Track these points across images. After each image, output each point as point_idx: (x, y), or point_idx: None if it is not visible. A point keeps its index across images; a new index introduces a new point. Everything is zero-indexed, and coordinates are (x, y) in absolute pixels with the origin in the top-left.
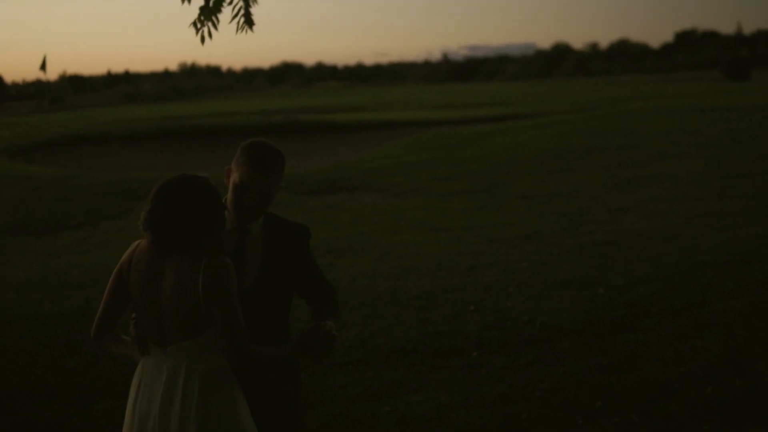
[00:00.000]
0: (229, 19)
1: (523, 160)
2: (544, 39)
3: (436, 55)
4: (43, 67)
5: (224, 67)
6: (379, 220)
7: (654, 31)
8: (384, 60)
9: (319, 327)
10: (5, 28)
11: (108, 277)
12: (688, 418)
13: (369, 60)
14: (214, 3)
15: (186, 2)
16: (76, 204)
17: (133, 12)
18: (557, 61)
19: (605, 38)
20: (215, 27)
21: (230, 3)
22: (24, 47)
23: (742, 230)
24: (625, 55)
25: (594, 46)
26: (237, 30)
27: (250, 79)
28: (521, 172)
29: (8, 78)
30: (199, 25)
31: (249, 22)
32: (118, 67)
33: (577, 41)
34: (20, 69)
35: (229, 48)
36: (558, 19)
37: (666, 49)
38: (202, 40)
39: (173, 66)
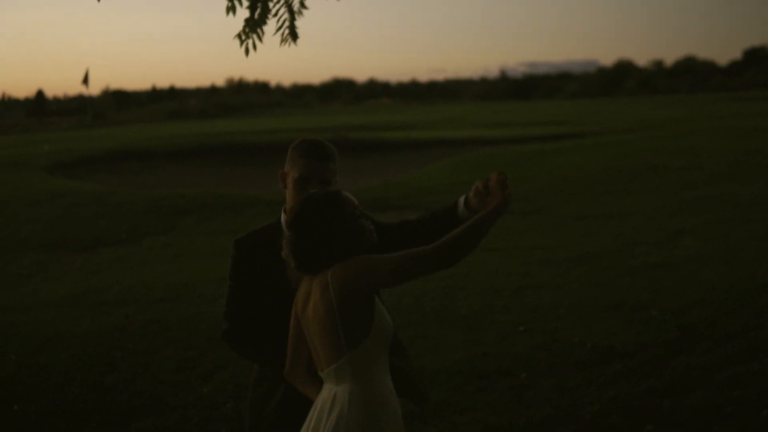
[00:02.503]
0: (274, 31)
1: (578, 180)
2: (607, 56)
3: (493, 72)
4: (85, 80)
5: (273, 82)
6: None
7: (722, 48)
8: (439, 76)
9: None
10: (47, 42)
11: (148, 294)
12: None
13: (423, 76)
14: (259, 15)
15: (231, 14)
16: (118, 220)
17: (178, 26)
18: (620, 78)
19: (670, 55)
20: (260, 39)
21: (275, 15)
22: (66, 61)
23: None
24: (691, 73)
25: (659, 64)
26: (281, 42)
27: (300, 95)
28: (575, 192)
29: (50, 93)
30: (243, 38)
31: (294, 35)
32: (163, 83)
33: (641, 58)
34: (62, 84)
35: (278, 63)
36: (621, 35)
37: (734, 67)
38: (246, 52)
39: (220, 81)
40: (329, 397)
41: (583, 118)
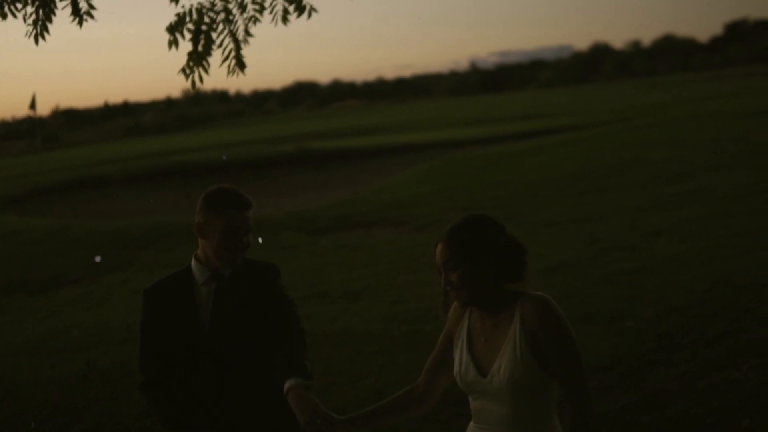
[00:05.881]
0: (220, 62)
1: (552, 181)
2: (582, 39)
3: (463, 65)
4: (32, 106)
5: (232, 90)
6: (396, 258)
7: (701, 23)
8: (407, 73)
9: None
10: None
11: (109, 336)
12: None
13: (390, 74)
14: (203, 47)
15: (174, 48)
16: (74, 257)
17: (129, 36)
18: (596, 63)
19: (648, 35)
20: (206, 71)
21: (220, 46)
22: (12, 80)
23: None
24: (671, 53)
25: (636, 45)
26: (228, 74)
27: (261, 102)
28: (549, 196)
29: None
30: (188, 72)
31: (240, 64)
32: (115, 97)
33: (618, 40)
34: (8, 105)
35: None
36: (595, 17)
37: (716, 42)
38: (193, 85)
39: (176, 93)
40: None
41: (559, 109)
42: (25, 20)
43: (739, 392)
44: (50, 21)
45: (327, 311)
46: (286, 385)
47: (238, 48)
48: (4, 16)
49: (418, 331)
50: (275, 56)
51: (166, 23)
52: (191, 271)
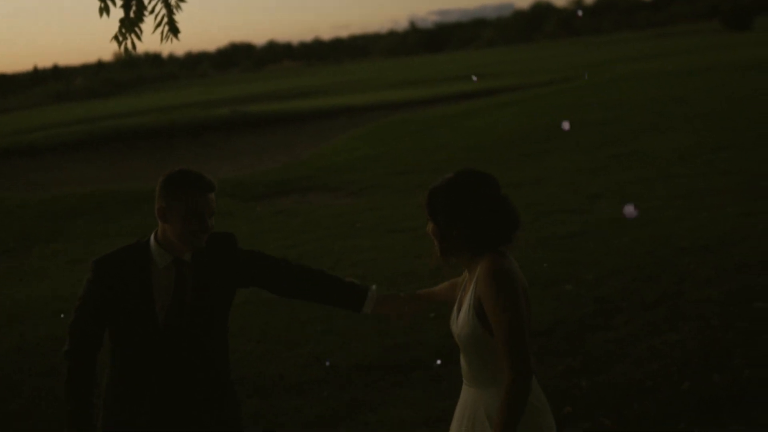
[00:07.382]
0: (153, 29)
1: (492, 144)
2: None
3: (402, 24)
4: None
5: (165, 53)
6: (333, 224)
7: None
8: (344, 33)
9: None
10: None
11: (43, 308)
12: (664, 417)
13: (327, 34)
14: (134, 14)
15: (105, 15)
16: (5, 229)
17: None
18: (538, 21)
19: None
20: (139, 38)
21: (152, 12)
22: None
23: (724, 210)
24: (614, 10)
25: (578, 2)
26: (162, 40)
27: (195, 64)
28: (488, 159)
29: None
30: (121, 39)
31: (174, 29)
32: (45, 62)
33: None
34: None
35: None
36: None
37: None
38: (126, 51)
39: (107, 56)
40: None
41: (500, 69)
42: None
43: (679, 355)
44: None
45: None
46: (368, 306)
47: (170, 13)
48: None
49: None
50: (209, 17)
51: None
52: (149, 251)
